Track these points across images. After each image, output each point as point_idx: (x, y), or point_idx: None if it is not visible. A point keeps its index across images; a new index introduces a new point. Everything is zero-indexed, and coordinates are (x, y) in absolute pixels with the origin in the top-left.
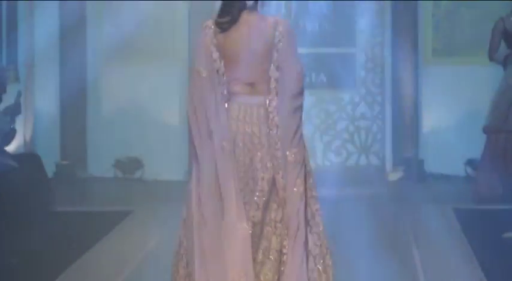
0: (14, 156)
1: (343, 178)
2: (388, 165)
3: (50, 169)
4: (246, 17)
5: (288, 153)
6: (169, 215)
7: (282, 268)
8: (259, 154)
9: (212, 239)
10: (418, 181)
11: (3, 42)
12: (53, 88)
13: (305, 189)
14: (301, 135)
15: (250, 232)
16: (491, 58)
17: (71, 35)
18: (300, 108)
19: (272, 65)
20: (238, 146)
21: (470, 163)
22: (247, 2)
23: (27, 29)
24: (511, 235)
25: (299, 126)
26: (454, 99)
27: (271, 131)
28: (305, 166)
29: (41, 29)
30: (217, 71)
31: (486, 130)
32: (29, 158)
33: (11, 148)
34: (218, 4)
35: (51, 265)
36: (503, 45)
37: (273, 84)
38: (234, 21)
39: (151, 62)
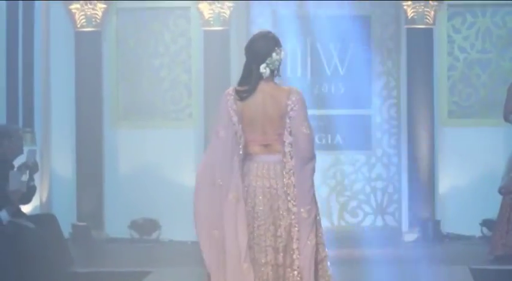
0: (30, 217)
1: (359, 239)
2: (405, 226)
3: (66, 230)
4: (262, 85)
5: (302, 210)
6: (185, 278)
7: None
8: (276, 204)
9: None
10: (434, 242)
11: (20, 104)
12: (69, 149)
13: (316, 239)
14: (314, 193)
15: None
16: (507, 119)
17: (87, 97)
18: (312, 169)
19: (285, 130)
20: (258, 198)
21: (486, 223)
22: (264, 72)
23: (44, 91)
24: None
25: (311, 186)
26: (470, 160)
27: (288, 189)
28: (316, 218)
29: (57, 92)
30: (236, 133)
31: (502, 191)
32: (45, 219)
33: (27, 208)
34: (233, 68)
35: None
36: None
37: (287, 148)
38: (251, 90)
39: (167, 124)
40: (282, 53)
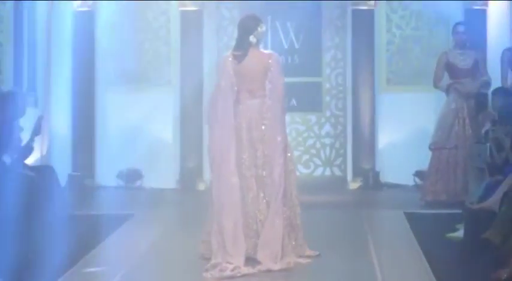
0: (32, 167)
1: (311, 187)
2: (349, 176)
3: (63, 179)
4: (251, 51)
5: (278, 138)
6: (163, 218)
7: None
8: (254, 132)
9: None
10: (374, 189)
11: (25, 71)
12: (66, 111)
13: (285, 161)
14: (284, 125)
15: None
16: (436, 86)
17: (82, 66)
18: (283, 107)
19: (267, 80)
20: (243, 127)
21: (418, 174)
22: (252, 41)
23: (46, 61)
24: (453, 235)
25: (283, 118)
26: (404, 120)
27: (264, 121)
28: (285, 145)
29: (57, 61)
30: (232, 84)
31: (431, 147)
32: (44, 170)
33: (30, 160)
34: (205, 41)
35: (64, 260)
36: (446, 75)
37: (267, 92)
38: (244, 55)
39: (149, 89)
40: (264, 27)
